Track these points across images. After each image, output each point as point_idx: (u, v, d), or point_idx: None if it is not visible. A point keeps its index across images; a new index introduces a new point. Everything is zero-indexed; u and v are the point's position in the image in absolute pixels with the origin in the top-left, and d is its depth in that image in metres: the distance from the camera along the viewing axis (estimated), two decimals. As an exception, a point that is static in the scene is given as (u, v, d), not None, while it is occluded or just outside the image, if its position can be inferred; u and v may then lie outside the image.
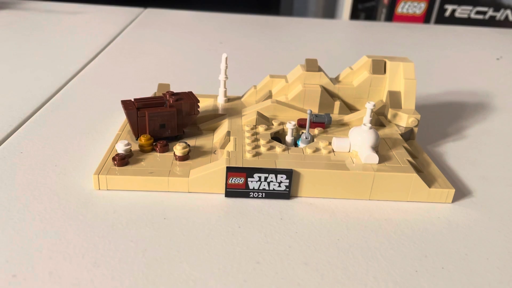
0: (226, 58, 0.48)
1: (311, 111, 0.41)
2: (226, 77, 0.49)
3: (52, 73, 0.64)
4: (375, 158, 0.38)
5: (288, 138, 0.42)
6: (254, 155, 0.38)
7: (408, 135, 0.46)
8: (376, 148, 0.40)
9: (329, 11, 1.81)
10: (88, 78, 0.65)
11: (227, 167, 0.36)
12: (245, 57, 0.81)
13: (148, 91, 0.58)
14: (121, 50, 0.80)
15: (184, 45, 0.87)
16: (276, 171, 0.36)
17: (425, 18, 1.53)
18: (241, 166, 0.36)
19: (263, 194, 0.37)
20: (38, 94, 0.56)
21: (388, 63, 0.48)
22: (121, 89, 0.61)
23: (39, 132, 0.46)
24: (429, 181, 0.39)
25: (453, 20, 1.50)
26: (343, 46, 0.98)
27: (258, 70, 0.74)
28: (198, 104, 0.43)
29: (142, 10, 1.13)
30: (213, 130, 0.45)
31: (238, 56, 0.81)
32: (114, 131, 0.46)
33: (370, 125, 0.39)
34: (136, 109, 0.40)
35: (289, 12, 1.81)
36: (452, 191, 0.38)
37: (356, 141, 0.39)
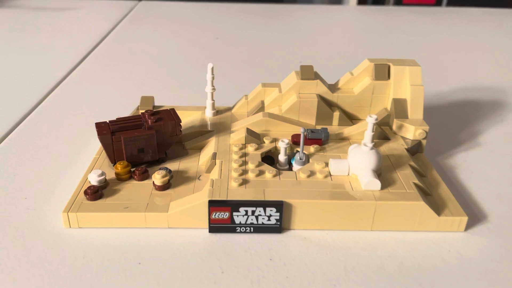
0: (212, 68, 0.44)
1: (304, 130, 0.36)
2: (214, 89, 0.44)
3: (32, 83, 0.61)
4: (377, 184, 0.34)
5: (281, 157, 0.38)
6: (241, 184, 0.34)
7: (415, 148, 0.42)
8: (378, 171, 0.35)
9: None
10: (72, 87, 0.61)
11: (209, 201, 0.32)
12: (243, 54, 0.76)
13: (134, 99, 0.54)
14: (110, 52, 0.76)
15: (178, 42, 0.82)
16: (264, 204, 0.32)
17: (437, 0, 1.44)
18: (225, 198, 0.32)
19: (251, 228, 0.33)
20: (13, 110, 0.53)
21: (393, 68, 0.43)
22: (106, 98, 0.57)
23: (11, 157, 0.43)
24: (439, 206, 0.35)
25: (467, 0, 1.42)
26: (349, 35, 0.92)
27: (257, 67, 0.70)
28: (180, 124, 0.39)
29: (136, 3, 1.08)
30: (199, 149, 0.41)
31: (235, 52, 0.76)
32: (94, 151, 0.43)
33: (371, 145, 0.35)
34: (111, 133, 0.37)
35: (293, -1, 1.74)
36: (465, 219, 0.34)
37: (356, 163, 0.35)
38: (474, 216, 0.36)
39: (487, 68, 0.72)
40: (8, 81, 0.62)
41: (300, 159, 0.37)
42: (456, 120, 0.53)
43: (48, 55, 0.73)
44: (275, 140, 0.40)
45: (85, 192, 0.34)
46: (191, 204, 0.33)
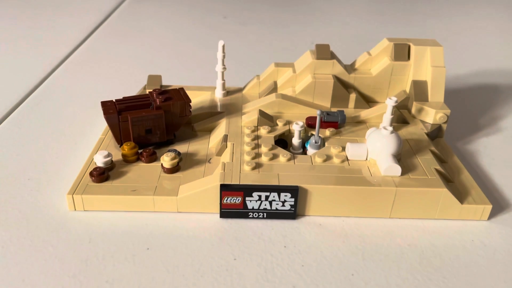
0: (223, 46, 0.41)
1: (320, 112, 0.35)
2: (224, 68, 0.42)
3: (35, 62, 0.59)
4: (397, 169, 0.32)
5: (295, 141, 0.36)
6: (254, 168, 0.32)
7: (435, 133, 0.40)
8: (398, 156, 0.34)
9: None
10: (77, 65, 0.59)
11: (221, 185, 0.31)
12: (252, 33, 0.74)
13: (141, 78, 0.52)
14: (116, 29, 0.74)
15: (185, 21, 0.79)
16: (279, 189, 0.31)
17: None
18: (237, 183, 0.31)
19: (264, 214, 0.31)
20: (16, 88, 0.51)
21: (413, 48, 0.41)
22: (112, 78, 0.55)
23: (14, 136, 0.41)
24: (461, 194, 0.33)
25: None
26: (364, 15, 0.89)
27: (268, 47, 0.67)
28: (190, 104, 0.37)
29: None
30: (209, 130, 0.40)
31: (245, 32, 0.74)
32: (100, 132, 0.41)
33: (391, 128, 0.33)
34: (117, 113, 0.35)
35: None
36: (489, 207, 0.32)
37: (375, 147, 0.33)
38: (498, 204, 0.34)
39: (508, 51, 0.69)
40: (10, 58, 0.60)
41: (316, 142, 0.36)
42: (475, 104, 0.51)
43: (52, 32, 0.71)
44: (288, 122, 0.39)
45: (91, 174, 0.32)
46: (202, 188, 0.31)
